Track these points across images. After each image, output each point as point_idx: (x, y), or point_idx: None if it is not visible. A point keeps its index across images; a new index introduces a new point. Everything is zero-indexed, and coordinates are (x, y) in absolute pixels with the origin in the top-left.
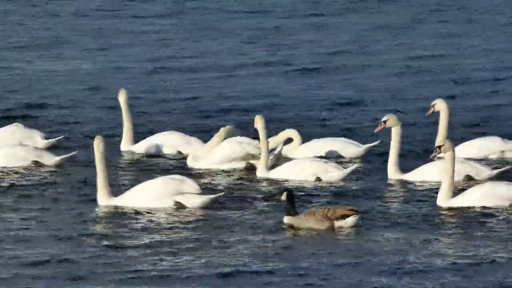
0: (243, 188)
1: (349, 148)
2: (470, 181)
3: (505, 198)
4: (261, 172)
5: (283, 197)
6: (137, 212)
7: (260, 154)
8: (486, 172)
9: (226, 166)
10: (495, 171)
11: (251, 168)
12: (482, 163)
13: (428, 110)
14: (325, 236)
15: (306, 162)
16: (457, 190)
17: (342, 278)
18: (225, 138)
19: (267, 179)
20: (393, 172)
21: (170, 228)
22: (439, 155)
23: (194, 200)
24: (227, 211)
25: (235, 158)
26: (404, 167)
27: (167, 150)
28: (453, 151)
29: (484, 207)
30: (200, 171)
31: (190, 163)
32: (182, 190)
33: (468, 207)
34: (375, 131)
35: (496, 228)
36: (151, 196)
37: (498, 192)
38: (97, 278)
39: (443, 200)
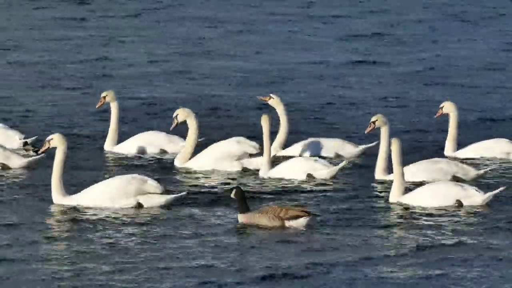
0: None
1: (347, 148)
2: (457, 181)
3: (452, 197)
4: (264, 172)
5: (232, 195)
6: (92, 211)
7: (256, 153)
8: (473, 172)
9: (218, 167)
10: (482, 171)
11: (246, 170)
12: (468, 163)
13: (437, 113)
14: (275, 234)
15: (297, 160)
16: None
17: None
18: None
19: (268, 179)
20: (379, 172)
21: (127, 226)
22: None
23: (155, 199)
24: (195, 209)
25: (232, 156)
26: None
27: (150, 150)
28: (399, 147)
29: (432, 205)
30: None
31: (178, 163)
32: (144, 190)
33: (417, 204)
34: (365, 132)
35: (440, 224)
36: (111, 195)
37: (446, 191)
38: (49, 275)
39: (395, 196)
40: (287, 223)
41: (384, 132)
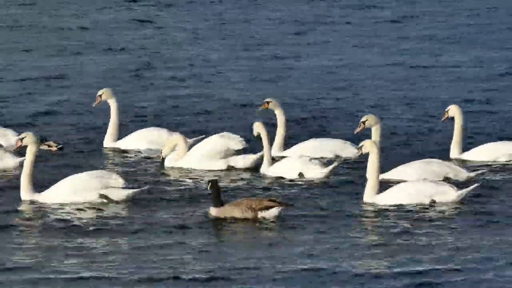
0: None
1: (346, 149)
2: (449, 182)
3: (426, 195)
4: (264, 168)
5: (209, 187)
6: (59, 207)
7: (243, 149)
8: (465, 173)
9: (205, 166)
10: (474, 173)
11: (231, 169)
12: (461, 165)
13: (443, 116)
14: (245, 228)
15: (292, 160)
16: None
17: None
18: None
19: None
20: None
21: (92, 221)
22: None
23: (118, 193)
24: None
25: (216, 153)
26: None
27: (150, 146)
28: (377, 146)
29: (406, 204)
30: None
31: (169, 163)
32: (108, 184)
33: (392, 203)
34: (355, 132)
35: (412, 222)
36: (76, 190)
37: (420, 190)
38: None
39: (369, 196)
40: (260, 214)
41: (375, 132)
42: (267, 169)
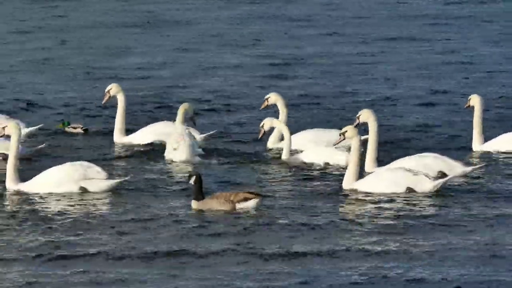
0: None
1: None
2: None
3: (402, 184)
4: (284, 155)
5: (192, 181)
6: (43, 197)
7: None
8: (460, 168)
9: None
10: (470, 168)
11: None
12: (455, 159)
13: (466, 104)
14: (224, 218)
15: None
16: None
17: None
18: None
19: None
20: (369, 165)
21: (76, 211)
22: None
23: (99, 184)
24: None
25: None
26: None
27: (160, 139)
28: (358, 136)
29: (383, 191)
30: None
31: (168, 155)
32: (88, 176)
33: (369, 191)
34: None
35: (388, 209)
36: (57, 181)
37: (396, 178)
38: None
39: (348, 183)
40: (238, 206)
41: (371, 126)
42: (287, 155)
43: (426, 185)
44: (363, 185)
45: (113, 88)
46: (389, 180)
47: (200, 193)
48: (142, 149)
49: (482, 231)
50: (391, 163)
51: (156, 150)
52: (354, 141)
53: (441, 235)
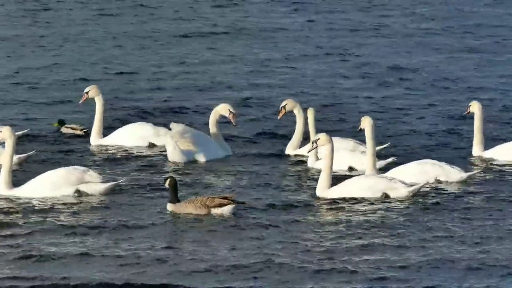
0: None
1: (359, 149)
2: (440, 183)
3: (377, 189)
4: (311, 162)
5: (166, 184)
6: (37, 201)
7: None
8: (456, 175)
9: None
10: (465, 174)
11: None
12: (452, 166)
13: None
14: (202, 222)
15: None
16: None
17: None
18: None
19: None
20: (369, 169)
21: (70, 214)
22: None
23: (95, 187)
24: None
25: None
26: None
27: (137, 142)
28: (331, 143)
29: (358, 197)
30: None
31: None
32: (84, 180)
33: (343, 197)
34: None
35: (363, 217)
36: (52, 185)
37: (370, 184)
38: None
39: (321, 190)
40: (213, 211)
41: (368, 132)
42: (313, 162)
43: (401, 191)
44: (338, 192)
45: (91, 90)
46: (364, 186)
47: (175, 196)
48: (117, 151)
49: (470, 237)
50: (390, 170)
51: (133, 151)
52: (326, 148)
53: (423, 245)
